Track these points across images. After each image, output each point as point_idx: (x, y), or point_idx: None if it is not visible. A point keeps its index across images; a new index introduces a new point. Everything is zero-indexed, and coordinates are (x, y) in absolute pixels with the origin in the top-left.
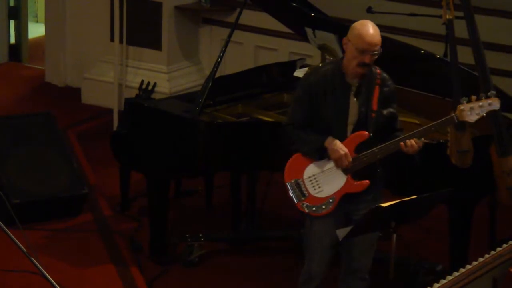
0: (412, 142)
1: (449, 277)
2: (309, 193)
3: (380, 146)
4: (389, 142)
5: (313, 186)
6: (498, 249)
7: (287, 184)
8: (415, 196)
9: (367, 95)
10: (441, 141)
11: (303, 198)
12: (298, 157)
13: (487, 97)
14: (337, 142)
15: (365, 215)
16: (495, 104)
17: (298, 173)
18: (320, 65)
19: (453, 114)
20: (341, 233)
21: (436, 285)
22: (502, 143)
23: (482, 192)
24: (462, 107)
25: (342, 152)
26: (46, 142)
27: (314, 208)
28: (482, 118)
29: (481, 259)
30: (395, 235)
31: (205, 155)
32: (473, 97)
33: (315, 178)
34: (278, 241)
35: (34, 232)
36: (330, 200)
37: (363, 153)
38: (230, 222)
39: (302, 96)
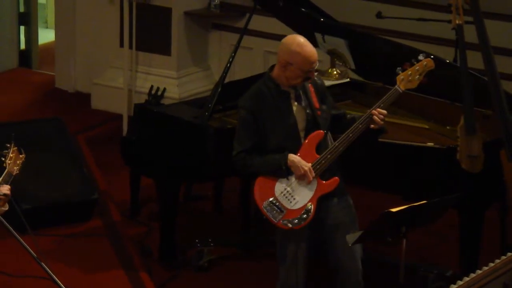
0: (377, 115)
1: (460, 282)
2: (286, 208)
3: (340, 138)
4: (346, 132)
5: (288, 200)
6: (509, 254)
7: (262, 207)
8: (425, 201)
9: (306, 97)
10: (451, 145)
11: (281, 216)
12: (263, 179)
13: (419, 61)
14: (299, 159)
15: (375, 220)
16: (430, 64)
17: (269, 193)
18: (252, 87)
19: (396, 86)
20: (351, 238)
21: None
22: None
23: (493, 197)
24: (401, 77)
25: (306, 168)
26: (56, 147)
27: (296, 221)
28: (492, 123)
29: (491, 264)
30: (405, 240)
31: (214, 160)
32: (407, 64)
33: (287, 192)
34: None
35: (44, 238)
36: (309, 208)
37: (325, 152)
38: (240, 227)
39: (247, 121)
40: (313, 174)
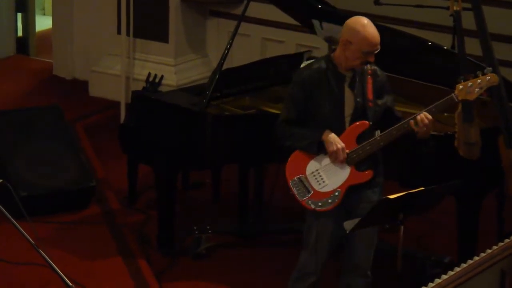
0: (422, 116)
1: (457, 269)
2: (313, 189)
3: (383, 133)
4: (391, 128)
5: (317, 181)
6: (506, 240)
7: (290, 182)
8: (422, 188)
9: (362, 86)
10: (449, 133)
11: (308, 195)
12: (298, 154)
13: (484, 74)
14: (335, 136)
15: (373, 207)
16: (493, 79)
17: (300, 170)
18: (311, 62)
19: (452, 94)
20: (349, 225)
21: (444, 277)
22: (510, 134)
23: (490, 184)
24: (460, 86)
25: (339, 146)
26: (53, 135)
27: (320, 204)
28: (490, 110)
29: (489, 251)
30: (402, 227)
31: (212, 147)
32: (470, 75)
33: (318, 173)
34: (285, 233)
35: (42, 225)
36: (336, 194)
37: (365, 142)
38: (238, 215)
39: (296, 93)
40: (345, 156)
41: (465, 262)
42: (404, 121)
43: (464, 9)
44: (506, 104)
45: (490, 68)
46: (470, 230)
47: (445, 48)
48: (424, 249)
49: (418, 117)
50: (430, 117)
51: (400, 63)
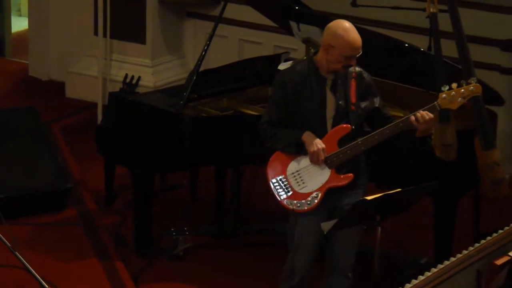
0: (422, 113)
1: (434, 270)
2: (293, 190)
3: (364, 137)
4: (372, 133)
5: (297, 182)
6: (482, 241)
7: (270, 182)
8: (399, 189)
9: (344, 89)
10: None
11: (287, 195)
12: (280, 154)
13: (468, 84)
14: (315, 136)
15: (349, 208)
16: (477, 89)
17: (281, 170)
18: (293, 64)
19: (435, 102)
20: (326, 226)
21: (420, 277)
22: (486, 136)
23: (466, 185)
24: (443, 95)
25: (320, 147)
26: (30, 136)
27: (299, 204)
28: (466, 111)
29: (465, 252)
30: (379, 228)
31: (189, 149)
32: (454, 85)
33: (298, 174)
34: (263, 234)
35: (18, 227)
36: (315, 195)
37: (346, 146)
38: (215, 216)
39: (277, 95)
40: (324, 155)
41: (441, 263)
42: (384, 128)
43: (441, 11)
44: (482, 105)
45: (475, 78)
46: (446, 231)
47: (422, 49)
48: (401, 250)
49: (418, 114)
50: (431, 115)
51: (377, 64)
